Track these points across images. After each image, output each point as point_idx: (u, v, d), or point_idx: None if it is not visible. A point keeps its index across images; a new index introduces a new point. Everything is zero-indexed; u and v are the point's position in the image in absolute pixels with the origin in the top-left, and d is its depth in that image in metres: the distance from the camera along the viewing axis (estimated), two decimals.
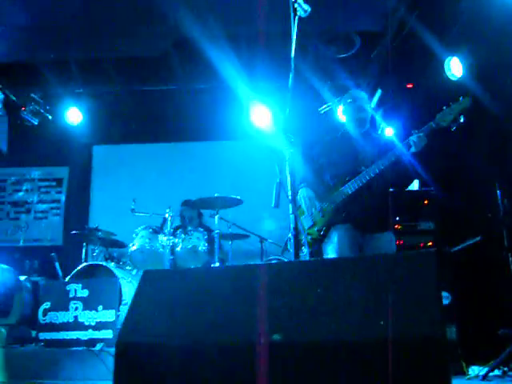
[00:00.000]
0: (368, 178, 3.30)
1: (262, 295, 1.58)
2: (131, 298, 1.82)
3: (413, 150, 3.25)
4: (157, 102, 7.25)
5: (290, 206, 2.49)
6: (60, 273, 5.60)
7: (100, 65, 6.53)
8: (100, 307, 4.30)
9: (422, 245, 4.82)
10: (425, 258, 1.52)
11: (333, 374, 1.37)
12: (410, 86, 6.36)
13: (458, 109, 3.22)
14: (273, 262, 5.46)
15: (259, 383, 1.40)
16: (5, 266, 5.12)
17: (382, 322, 1.34)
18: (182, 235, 5.27)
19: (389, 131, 6.00)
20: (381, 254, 3.01)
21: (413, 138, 3.24)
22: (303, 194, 3.53)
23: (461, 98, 3.27)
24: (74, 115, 7.09)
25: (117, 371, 1.56)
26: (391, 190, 4.06)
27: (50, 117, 7.07)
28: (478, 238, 4.77)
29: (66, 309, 4.36)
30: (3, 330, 4.62)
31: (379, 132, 4.89)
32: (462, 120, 3.22)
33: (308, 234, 3.50)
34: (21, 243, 6.73)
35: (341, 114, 3.81)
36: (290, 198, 2.51)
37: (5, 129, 3.43)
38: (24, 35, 5.79)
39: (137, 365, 1.56)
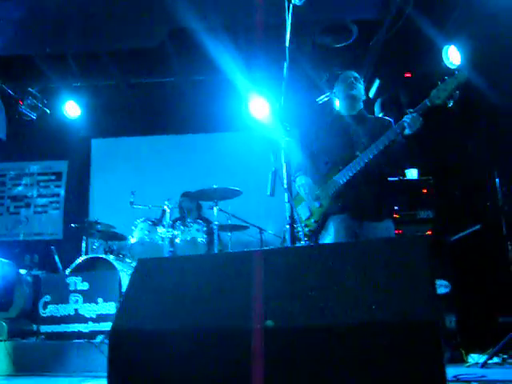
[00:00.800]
0: (362, 164, 3.20)
1: (255, 281, 1.58)
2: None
3: (407, 131, 3.10)
4: (155, 95, 7.24)
5: (286, 195, 2.48)
6: (60, 266, 5.61)
7: (97, 58, 6.50)
8: (100, 300, 4.32)
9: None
10: (417, 242, 1.51)
11: (325, 358, 1.37)
12: (408, 74, 6.34)
13: (453, 84, 3.04)
14: None
15: (254, 367, 1.41)
16: (5, 260, 5.13)
17: (373, 306, 1.35)
18: (181, 227, 5.28)
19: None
20: (374, 238, 2.99)
21: (406, 119, 3.09)
22: (301, 181, 3.45)
23: (456, 72, 3.11)
24: (71, 109, 7.08)
25: (111, 359, 1.57)
26: (390, 179, 3.95)
27: (48, 111, 7.06)
28: (477, 227, 4.77)
29: (67, 302, 4.38)
30: (4, 324, 4.63)
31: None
32: (457, 95, 3.03)
33: (305, 225, 3.46)
34: (21, 237, 6.75)
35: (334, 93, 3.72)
36: (285, 186, 2.50)
37: (3, 116, 3.41)
38: (21, 29, 5.76)
39: (131, 352, 1.57)
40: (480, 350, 4.04)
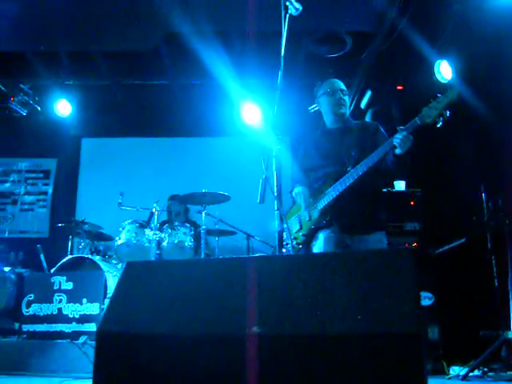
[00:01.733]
0: (352, 180, 3.16)
1: (245, 288, 1.59)
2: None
3: (398, 151, 3.04)
4: (147, 97, 7.24)
5: (276, 202, 2.49)
6: (45, 265, 5.57)
7: (91, 57, 6.50)
8: (84, 300, 4.30)
9: (407, 245, 4.86)
10: (402, 255, 1.54)
11: (311, 366, 1.38)
12: (400, 87, 6.40)
13: (444, 102, 2.95)
14: None
15: (242, 374, 1.42)
16: None
17: (359, 317, 1.36)
18: (169, 230, 5.27)
19: None
20: (362, 250, 2.99)
21: (397, 140, 3.01)
22: (298, 190, 3.44)
23: (448, 90, 3.01)
24: (63, 107, 7.05)
25: (97, 362, 1.56)
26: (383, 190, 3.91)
27: (39, 108, 7.02)
28: (462, 240, 4.82)
29: (50, 301, 4.35)
30: None
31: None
32: (447, 114, 2.93)
33: (294, 238, 3.43)
34: (6, 235, 6.67)
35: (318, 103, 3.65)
36: (275, 194, 2.51)
37: None
38: (14, 26, 5.74)
39: (117, 355, 1.56)
40: (461, 363, 4.08)
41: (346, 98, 3.59)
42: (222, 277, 1.68)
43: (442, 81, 5.33)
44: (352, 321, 1.39)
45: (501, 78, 4.88)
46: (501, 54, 4.81)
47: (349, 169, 3.25)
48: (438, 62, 5.35)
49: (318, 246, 3.34)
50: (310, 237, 3.38)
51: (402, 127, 3.05)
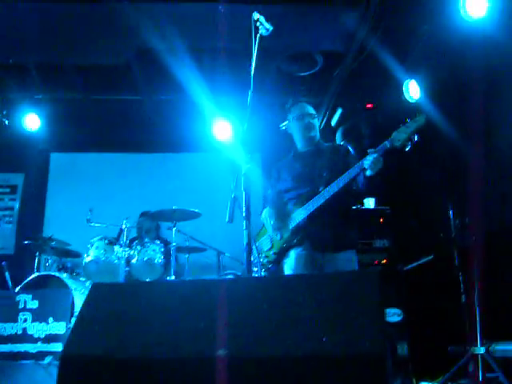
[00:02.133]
0: (323, 200, 3.22)
1: (212, 310, 1.58)
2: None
3: (369, 173, 3.10)
4: (118, 111, 7.15)
5: (244, 222, 2.48)
6: (10, 283, 5.43)
7: (61, 71, 6.41)
8: (50, 319, 4.20)
9: (376, 262, 4.91)
10: (369, 276, 1.55)
11: None
12: (369, 106, 6.51)
13: (413, 127, 3.06)
14: (228, 276, 5.49)
15: None
16: None
17: (324, 339, 1.37)
18: (138, 247, 5.21)
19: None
20: (327, 272, 3.02)
21: (368, 162, 3.08)
22: (266, 214, 3.50)
23: (416, 115, 3.11)
24: (32, 121, 6.93)
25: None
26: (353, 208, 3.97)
27: (6, 122, 6.89)
28: (430, 257, 4.89)
29: (15, 320, 4.23)
30: None
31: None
32: (416, 139, 3.05)
33: (265, 256, 3.46)
34: None
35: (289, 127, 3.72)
36: (244, 214, 2.51)
37: None
38: None
39: (81, 379, 1.53)
40: (430, 379, 4.12)
41: (315, 122, 3.66)
42: (189, 299, 1.67)
43: (411, 100, 5.45)
44: (316, 343, 1.39)
45: (467, 99, 5.01)
46: (467, 75, 4.93)
47: (320, 189, 3.30)
48: (407, 81, 5.48)
49: (290, 264, 3.36)
50: (282, 255, 3.40)
51: (372, 150, 3.13)
